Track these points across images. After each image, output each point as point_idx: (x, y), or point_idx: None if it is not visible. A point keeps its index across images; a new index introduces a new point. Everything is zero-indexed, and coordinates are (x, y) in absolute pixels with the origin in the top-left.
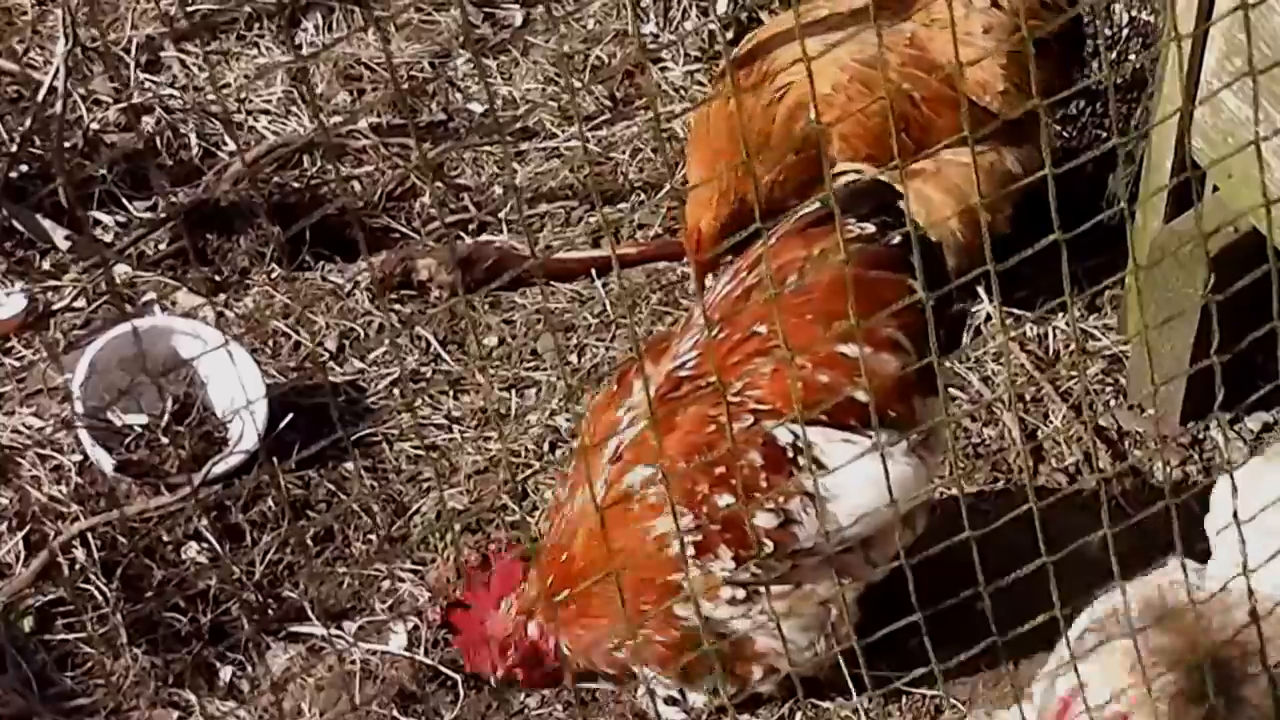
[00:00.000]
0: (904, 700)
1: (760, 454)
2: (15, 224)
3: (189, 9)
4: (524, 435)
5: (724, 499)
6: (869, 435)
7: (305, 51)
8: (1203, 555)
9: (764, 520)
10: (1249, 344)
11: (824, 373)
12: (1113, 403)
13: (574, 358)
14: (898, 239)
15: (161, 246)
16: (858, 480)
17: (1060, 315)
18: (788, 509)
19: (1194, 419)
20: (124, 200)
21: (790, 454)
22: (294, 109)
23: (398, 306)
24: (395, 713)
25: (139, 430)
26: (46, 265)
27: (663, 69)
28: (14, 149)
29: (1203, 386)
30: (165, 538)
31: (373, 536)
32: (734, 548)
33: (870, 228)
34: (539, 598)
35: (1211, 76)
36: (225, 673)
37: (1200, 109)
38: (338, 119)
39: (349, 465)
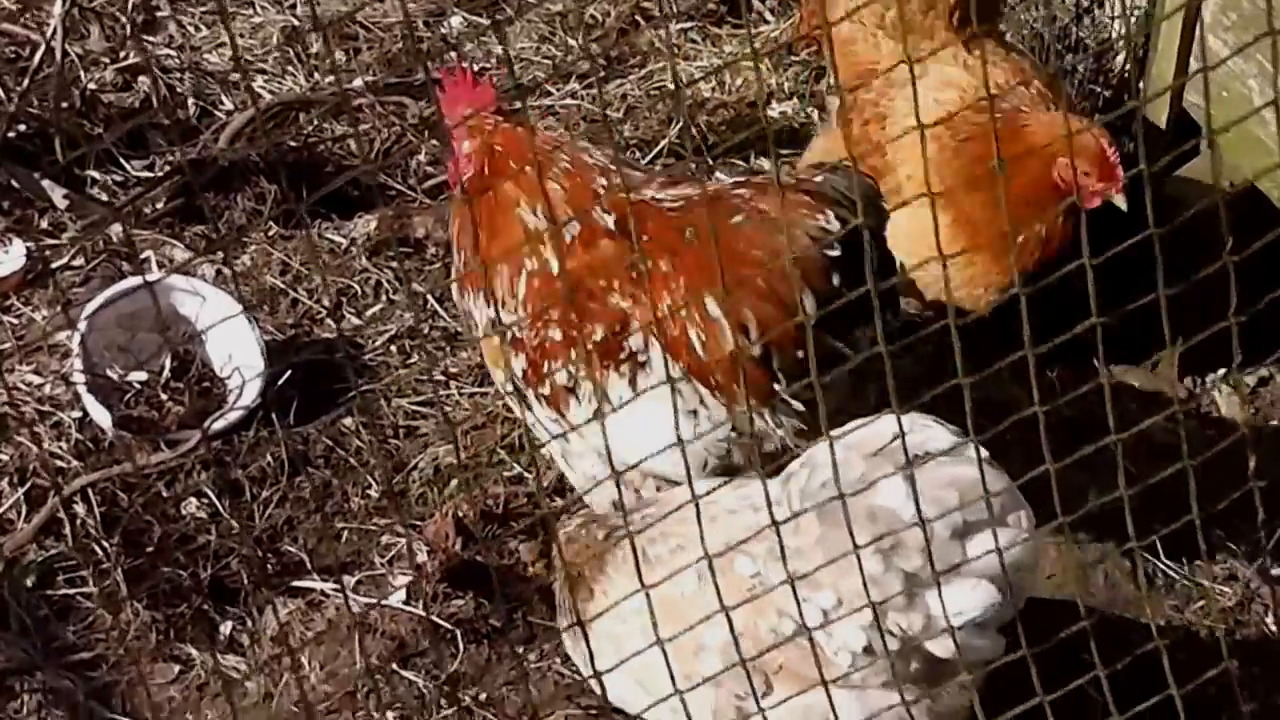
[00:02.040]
0: None
1: (605, 328)
2: (13, 183)
3: None
4: None
5: (555, 331)
6: (699, 390)
7: (300, 11)
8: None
9: (561, 378)
10: (1243, 299)
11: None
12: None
13: None
14: (835, 252)
15: (159, 205)
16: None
17: None
18: (571, 395)
19: (1191, 374)
20: (121, 160)
21: (625, 353)
22: (290, 68)
23: (394, 264)
24: (395, 666)
25: (138, 386)
26: (45, 224)
27: (656, 28)
28: (12, 109)
29: (1200, 342)
30: (165, 493)
31: (371, 491)
32: (528, 364)
33: (835, 226)
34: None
35: (1208, 31)
36: (226, 627)
37: (1194, 63)
38: (334, 78)
39: (347, 421)
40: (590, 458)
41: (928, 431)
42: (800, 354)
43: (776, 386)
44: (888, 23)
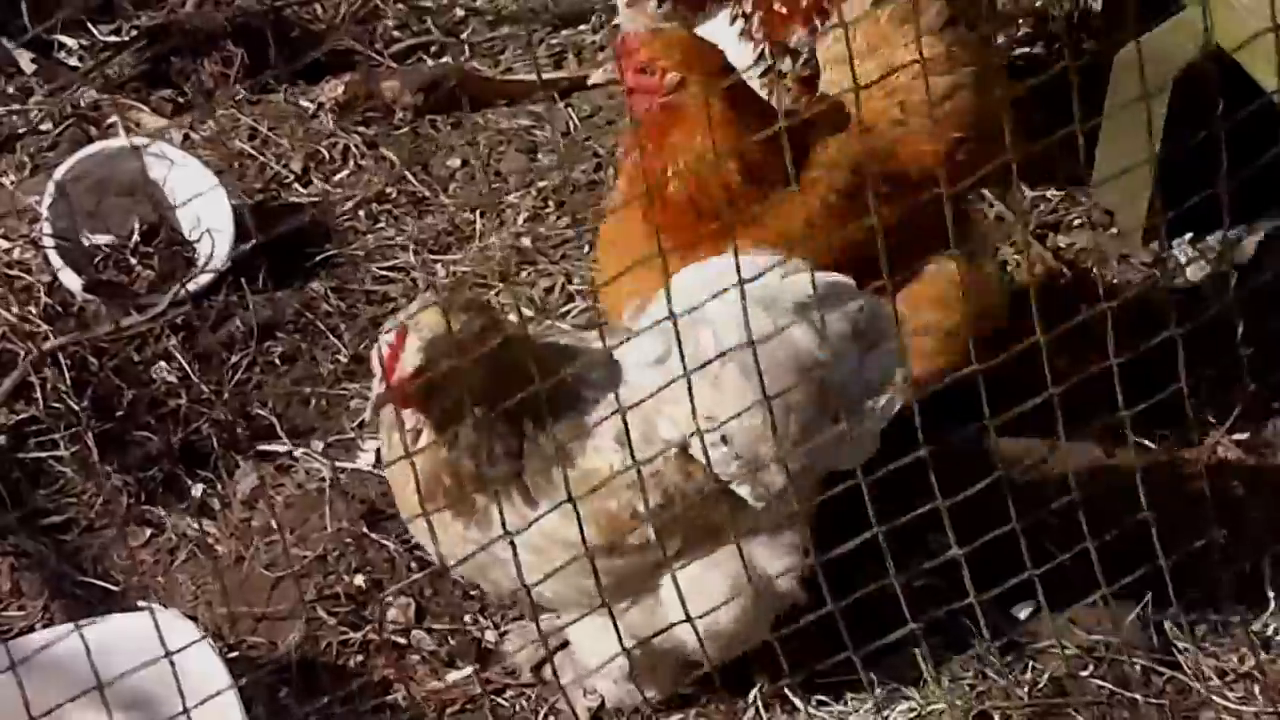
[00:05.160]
0: None
1: None
2: None
3: None
4: (488, 256)
5: None
6: None
7: None
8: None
9: None
10: (1209, 163)
11: None
12: (1076, 223)
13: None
14: None
15: (126, 70)
16: None
17: None
18: None
19: (1155, 239)
20: (89, 25)
21: None
22: None
23: (362, 128)
24: (365, 529)
25: (107, 251)
26: (12, 89)
27: None
28: None
29: (1164, 208)
30: (135, 357)
31: (340, 356)
32: None
33: None
34: None
35: None
36: (196, 490)
37: None
38: None
39: (316, 286)
40: None
41: (799, 276)
42: None
43: None
44: None
